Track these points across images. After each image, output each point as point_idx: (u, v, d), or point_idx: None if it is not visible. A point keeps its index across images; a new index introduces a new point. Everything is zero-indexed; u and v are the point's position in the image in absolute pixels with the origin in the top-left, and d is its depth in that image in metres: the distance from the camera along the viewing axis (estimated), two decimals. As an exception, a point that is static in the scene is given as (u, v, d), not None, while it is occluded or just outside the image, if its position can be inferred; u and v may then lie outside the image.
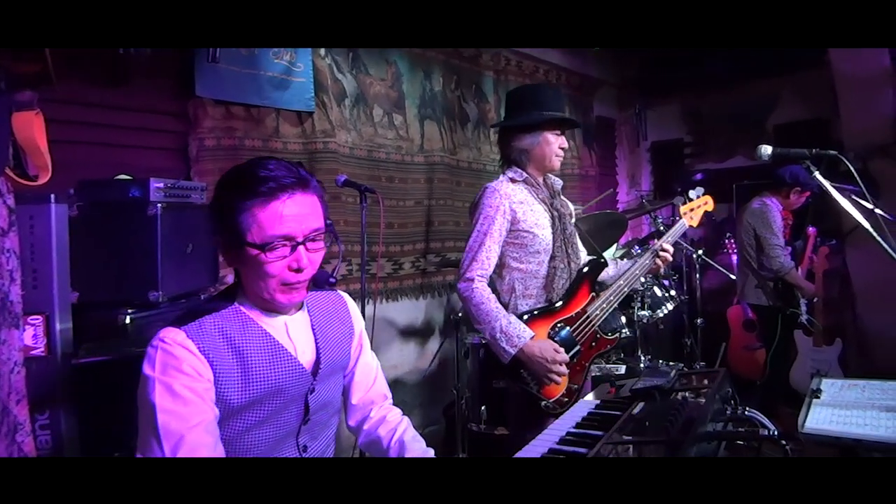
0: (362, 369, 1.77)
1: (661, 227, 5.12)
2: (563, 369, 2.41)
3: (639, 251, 4.76)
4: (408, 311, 4.69)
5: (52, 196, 2.18)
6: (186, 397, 1.32)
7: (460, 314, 3.94)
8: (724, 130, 6.66)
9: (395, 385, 3.87)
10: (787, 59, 5.71)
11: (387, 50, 4.43)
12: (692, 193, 3.13)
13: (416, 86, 4.67)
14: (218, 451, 1.35)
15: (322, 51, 3.91)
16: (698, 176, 6.55)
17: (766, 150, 2.23)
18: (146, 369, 1.35)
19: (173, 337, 1.37)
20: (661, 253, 2.78)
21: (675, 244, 2.86)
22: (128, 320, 2.36)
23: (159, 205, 2.43)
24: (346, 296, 1.79)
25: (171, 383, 1.33)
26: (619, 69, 7.00)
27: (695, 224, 3.06)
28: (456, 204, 4.96)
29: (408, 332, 4.69)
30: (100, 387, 2.27)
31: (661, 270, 2.90)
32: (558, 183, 2.79)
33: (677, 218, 3.01)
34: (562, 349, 2.44)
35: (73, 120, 2.81)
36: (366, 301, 3.17)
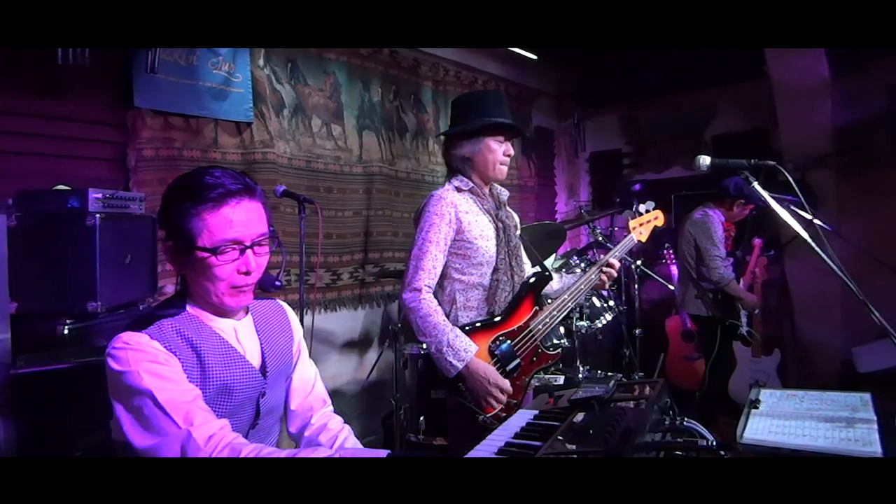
0: (300, 374, 1.89)
1: (600, 238, 5.24)
2: (502, 397, 2.43)
3: (577, 261, 4.88)
4: (346, 321, 4.78)
5: (-9, 207, 2.24)
6: (175, 378, 1.43)
7: (399, 325, 3.98)
8: (663, 141, 6.79)
9: (333, 395, 3.85)
10: (725, 70, 5.84)
11: (325, 60, 4.55)
12: (642, 208, 3.12)
13: (354, 96, 4.77)
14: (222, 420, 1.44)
15: (261, 61, 4.01)
16: (637, 186, 6.54)
17: (705, 160, 2.29)
18: (119, 366, 1.41)
19: (137, 339, 1.44)
20: (606, 269, 2.80)
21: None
22: (66, 331, 2.44)
23: (98, 215, 2.50)
24: (285, 305, 1.92)
25: (154, 369, 1.41)
26: (557, 79, 7.17)
27: (643, 239, 3.06)
28: (394, 214, 5.08)
29: (346, 343, 4.78)
30: (38, 397, 2.33)
31: (606, 286, 2.87)
32: (504, 193, 2.81)
33: (626, 233, 3.03)
34: (506, 381, 2.45)
35: (10, 130, 2.86)
36: (304, 311, 3.23)
